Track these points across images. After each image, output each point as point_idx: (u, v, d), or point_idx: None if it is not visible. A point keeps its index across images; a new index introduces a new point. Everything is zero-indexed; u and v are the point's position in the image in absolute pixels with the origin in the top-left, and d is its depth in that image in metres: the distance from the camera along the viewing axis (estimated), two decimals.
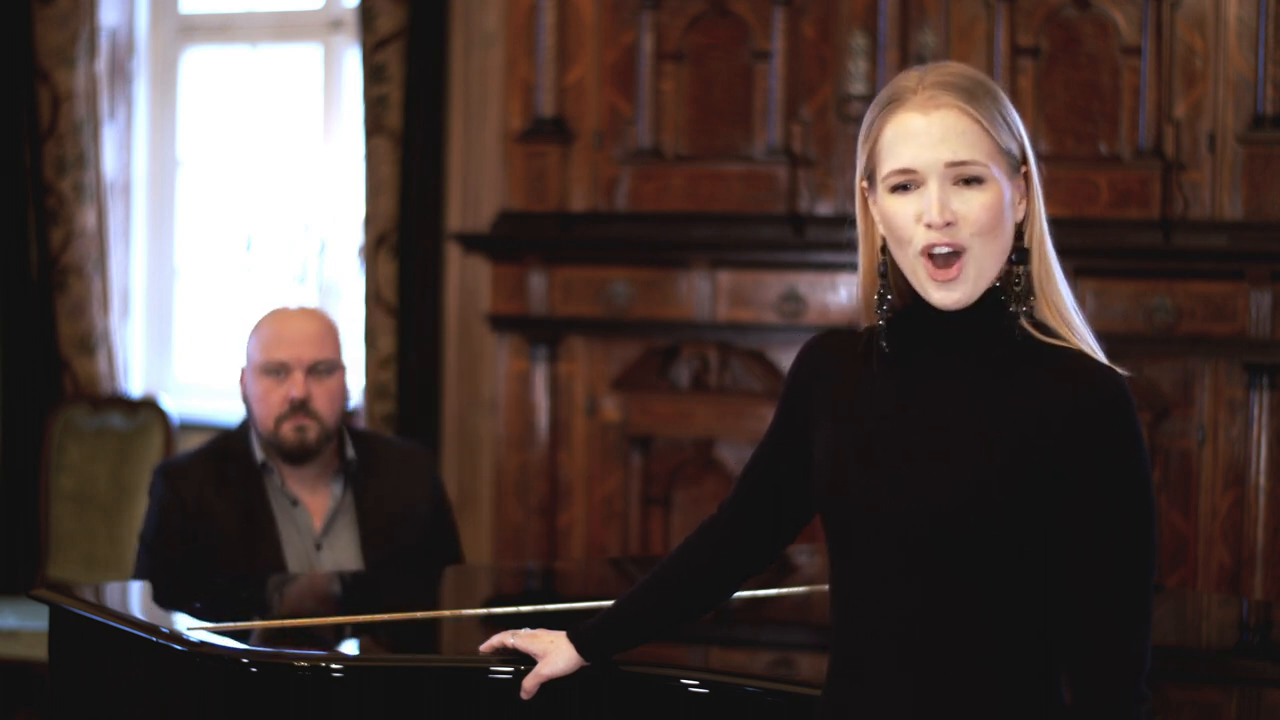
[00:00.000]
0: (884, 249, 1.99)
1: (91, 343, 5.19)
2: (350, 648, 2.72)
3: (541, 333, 4.38)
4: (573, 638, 2.31)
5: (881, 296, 1.99)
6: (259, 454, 3.30)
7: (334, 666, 2.45)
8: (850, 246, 2.06)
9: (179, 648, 2.50)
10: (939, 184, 1.91)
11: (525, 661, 2.35)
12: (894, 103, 1.95)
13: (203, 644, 2.49)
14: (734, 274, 4.26)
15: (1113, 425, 1.88)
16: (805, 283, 4.22)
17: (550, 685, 2.33)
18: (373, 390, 4.83)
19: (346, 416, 3.38)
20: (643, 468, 4.35)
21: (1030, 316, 1.95)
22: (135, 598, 3.00)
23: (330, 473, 3.33)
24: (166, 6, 5.40)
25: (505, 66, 4.57)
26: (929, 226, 1.91)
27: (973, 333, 1.96)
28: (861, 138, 1.99)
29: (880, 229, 1.98)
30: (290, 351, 3.27)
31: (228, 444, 3.34)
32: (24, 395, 5.22)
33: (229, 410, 5.06)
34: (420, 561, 3.33)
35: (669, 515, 4.34)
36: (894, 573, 1.92)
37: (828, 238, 4.12)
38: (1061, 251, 2.01)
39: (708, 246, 4.25)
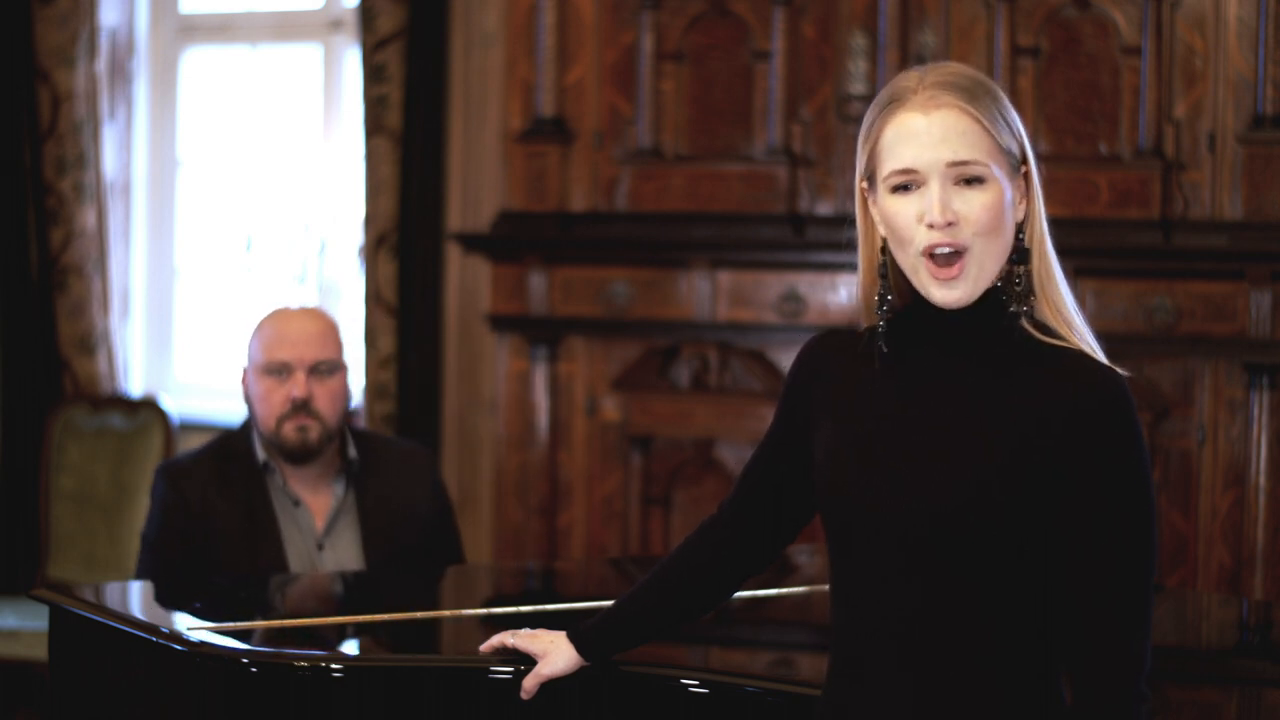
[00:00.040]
0: (884, 249, 1.99)
1: (91, 343, 5.19)
2: (350, 648, 2.72)
3: (541, 333, 4.38)
4: (573, 638, 2.31)
5: (881, 297, 1.99)
6: (261, 454, 3.30)
7: (334, 666, 2.45)
8: (850, 246, 2.06)
9: (179, 648, 2.50)
10: (940, 184, 1.91)
11: (525, 661, 2.35)
12: (894, 103, 1.95)
13: (203, 644, 2.49)
14: (734, 274, 4.26)
15: (1113, 425, 1.88)
16: (805, 283, 4.22)
17: (550, 685, 2.33)
18: (373, 390, 4.83)
19: (348, 416, 3.38)
20: (643, 468, 4.35)
21: (1030, 316, 1.95)
22: (135, 598, 3.00)
23: (332, 473, 3.33)
24: (166, 6, 5.40)
25: (505, 66, 4.57)
26: (930, 227, 1.91)
27: (973, 333, 1.96)
28: (861, 138, 1.99)
29: (880, 229, 1.98)
30: (292, 351, 3.27)
31: (229, 444, 3.34)
32: (24, 395, 5.22)
33: (229, 410, 5.06)
34: (421, 561, 3.33)
35: (669, 515, 4.34)
36: (894, 573, 1.92)
37: (828, 238, 4.12)
38: (1061, 251, 2.01)
39: (708, 246, 4.25)
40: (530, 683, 2.33)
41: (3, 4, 5.14)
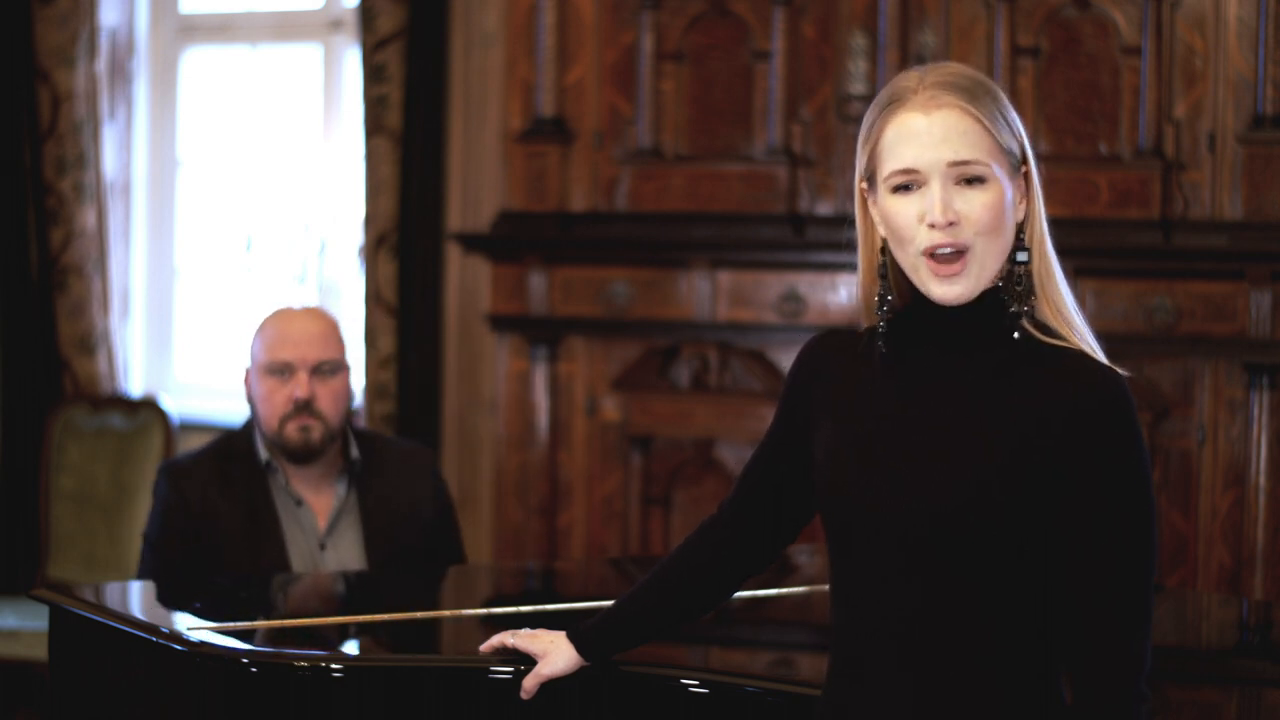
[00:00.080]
0: (884, 250, 1.99)
1: (91, 343, 5.19)
2: (350, 648, 2.72)
3: (541, 333, 4.38)
4: (573, 638, 2.31)
5: (881, 297, 1.99)
6: (263, 454, 3.30)
7: (334, 666, 2.45)
8: (850, 247, 2.06)
9: (179, 648, 2.50)
10: (941, 184, 1.91)
11: (525, 661, 2.35)
12: (895, 103, 1.95)
13: (203, 644, 2.49)
14: (734, 274, 4.26)
15: (1113, 425, 1.88)
16: (805, 283, 4.22)
17: (550, 685, 2.33)
18: (373, 390, 4.83)
19: (350, 416, 3.38)
20: (643, 468, 4.35)
21: (1031, 316, 1.95)
22: (135, 598, 3.00)
23: (334, 472, 3.34)
24: (166, 6, 5.40)
25: (505, 66, 4.57)
26: (932, 226, 1.91)
27: (973, 332, 1.96)
28: (861, 139, 1.99)
29: (880, 230, 1.98)
30: (295, 351, 3.28)
31: (232, 444, 3.34)
32: (24, 395, 5.22)
33: (229, 410, 5.06)
34: (423, 562, 3.33)
35: (669, 515, 4.34)
36: (894, 573, 1.92)
37: (828, 238, 4.12)
38: (1061, 251, 2.01)
39: (708, 246, 4.25)
40: (530, 683, 2.33)
41: (3, 4, 5.14)
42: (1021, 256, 1.95)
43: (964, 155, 1.91)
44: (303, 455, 3.27)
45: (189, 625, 2.63)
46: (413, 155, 4.79)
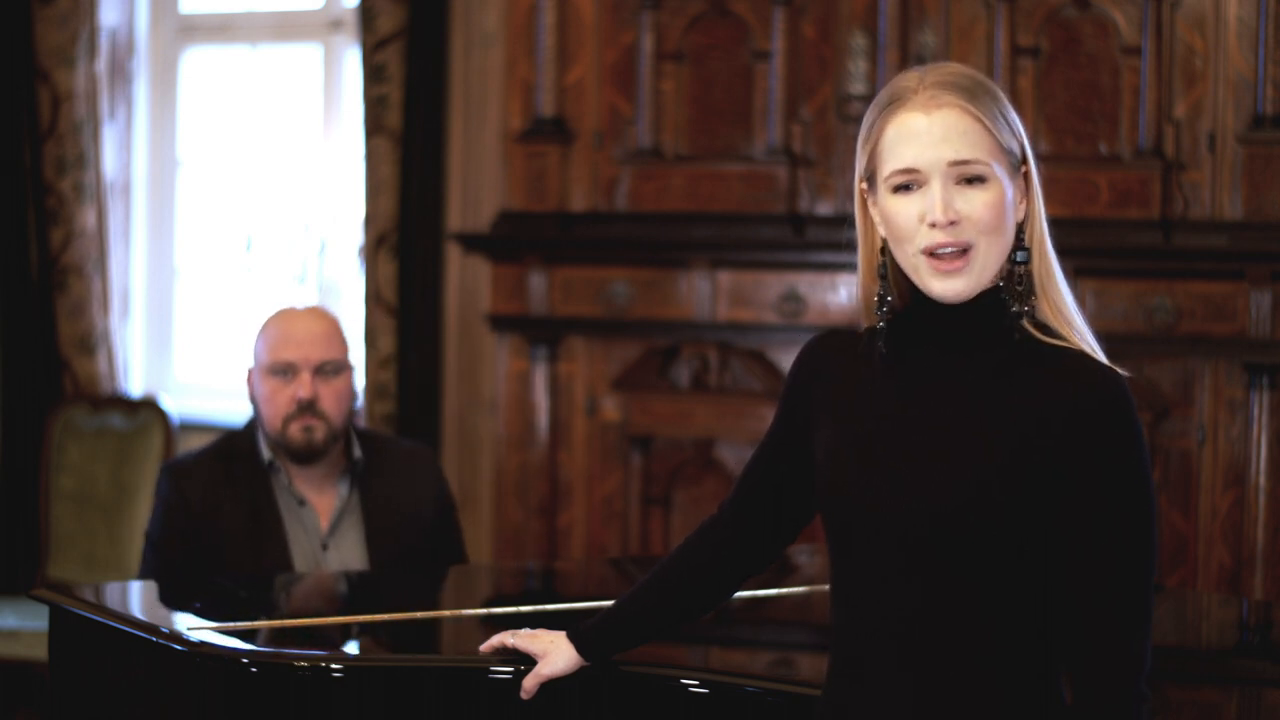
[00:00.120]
0: (883, 250, 1.99)
1: (91, 343, 5.19)
2: (350, 648, 2.72)
3: (541, 333, 4.38)
4: (573, 638, 2.31)
5: (881, 298, 1.99)
6: (266, 453, 3.30)
7: (334, 666, 2.45)
8: (850, 247, 2.06)
9: (179, 648, 2.50)
10: (942, 183, 1.91)
11: (525, 661, 2.35)
12: (895, 103, 1.95)
13: (203, 644, 2.49)
14: (734, 274, 4.26)
15: (1113, 425, 1.88)
16: (805, 283, 4.22)
17: (550, 685, 2.33)
18: (373, 390, 4.82)
19: (352, 416, 3.38)
20: (643, 468, 4.35)
21: (1031, 316, 1.95)
22: (135, 598, 3.00)
23: (337, 473, 3.34)
24: (166, 6, 5.40)
25: (505, 66, 4.57)
26: (933, 226, 1.91)
27: (973, 332, 1.96)
28: (861, 139, 1.99)
29: (880, 230, 1.98)
30: (298, 352, 3.28)
31: (234, 443, 3.34)
32: (24, 395, 5.22)
33: (229, 410, 5.06)
34: (424, 562, 3.33)
35: (669, 515, 4.34)
36: (894, 573, 1.92)
37: (828, 238, 4.12)
38: (1061, 251, 2.01)
39: (708, 246, 4.25)
40: (530, 683, 2.33)
41: (3, 4, 5.14)
42: (1021, 256, 1.95)
43: (964, 154, 1.91)
44: (306, 455, 3.27)
45: (189, 625, 2.63)
46: (413, 155, 4.79)
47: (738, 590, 2.30)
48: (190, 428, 5.07)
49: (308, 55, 5.29)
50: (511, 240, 4.41)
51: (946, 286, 1.92)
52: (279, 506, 3.28)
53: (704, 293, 4.27)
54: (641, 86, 4.31)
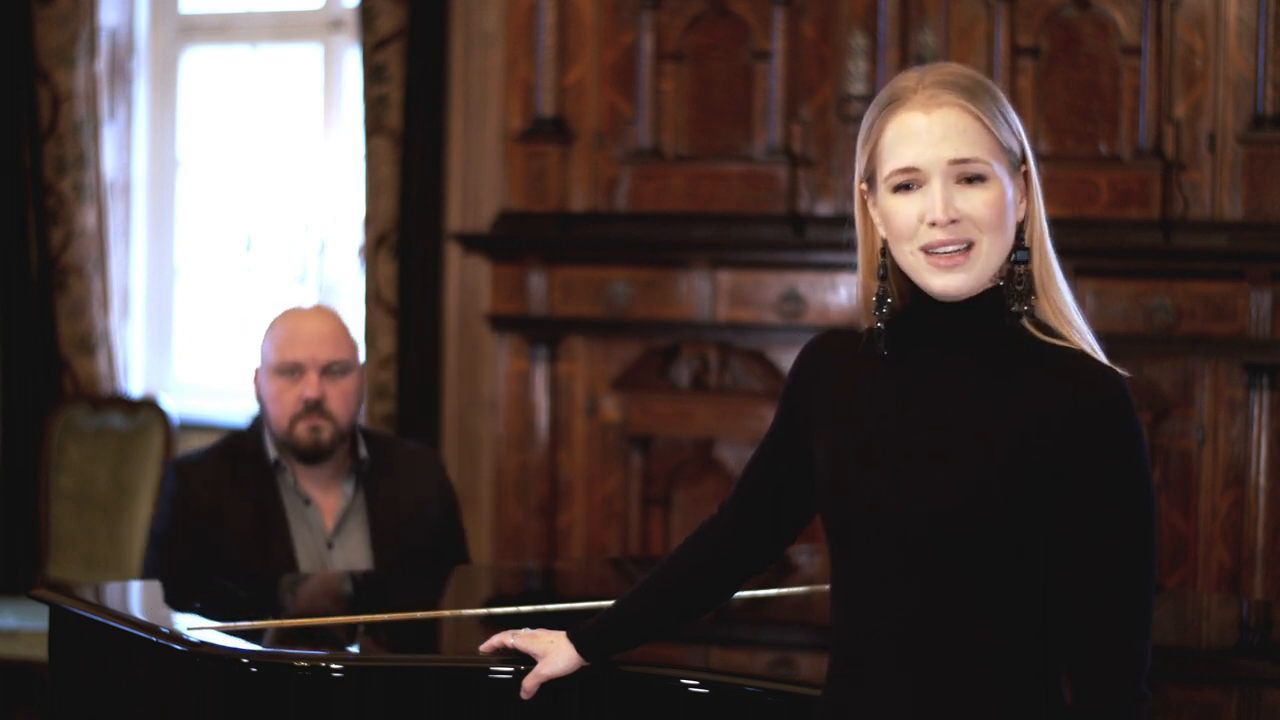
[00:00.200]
0: (883, 251, 1.99)
1: (91, 343, 5.19)
2: (351, 648, 2.72)
3: (541, 333, 4.38)
4: (573, 638, 2.31)
5: (880, 299, 1.99)
6: (272, 452, 3.30)
7: (334, 666, 2.45)
8: (850, 247, 2.06)
9: (179, 648, 2.50)
10: (942, 182, 1.91)
11: (525, 661, 2.35)
12: (894, 103, 1.95)
13: (202, 644, 2.49)
14: (734, 274, 4.26)
15: (1113, 425, 1.88)
16: (805, 283, 4.22)
17: (550, 685, 2.33)
18: (373, 390, 4.82)
19: (358, 416, 3.39)
20: (643, 468, 4.35)
21: (1031, 316, 1.95)
22: (135, 598, 3.00)
23: (343, 472, 3.34)
24: (166, 6, 5.40)
25: (505, 66, 4.57)
26: (933, 225, 1.91)
27: (974, 332, 1.96)
28: (861, 139, 1.99)
29: (880, 231, 1.98)
30: (305, 351, 3.28)
31: (240, 443, 3.34)
32: (24, 395, 5.22)
33: (229, 410, 5.07)
34: (428, 562, 3.33)
35: (669, 515, 4.34)
36: (894, 573, 1.92)
37: (828, 238, 4.12)
38: (1061, 251, 2.01)
39: (708, 246, 4.25)
40: (530, 683, 2.33)
41: (3, 4, 5.14)
42: (1021, 256, 1.95)
43: (964, 153, 1.91)
44: (313, 455, 3.27)
45: (189, 625, 2.63)
46: (413, 155, 4.79)
47: (738, 590, 2.30)
48: (190, 428, 5.07)
49: (308, 55, 5.29)
50: (511, 240, 4.41)
51: (946, 282, 1.92)
52: (284, 506, 3.28)
53: (704, 293, 4.27)
54: (641, 86, 4.31)
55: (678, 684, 2.39)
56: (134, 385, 5.34)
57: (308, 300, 4.43)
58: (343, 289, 5.17)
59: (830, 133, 4.20)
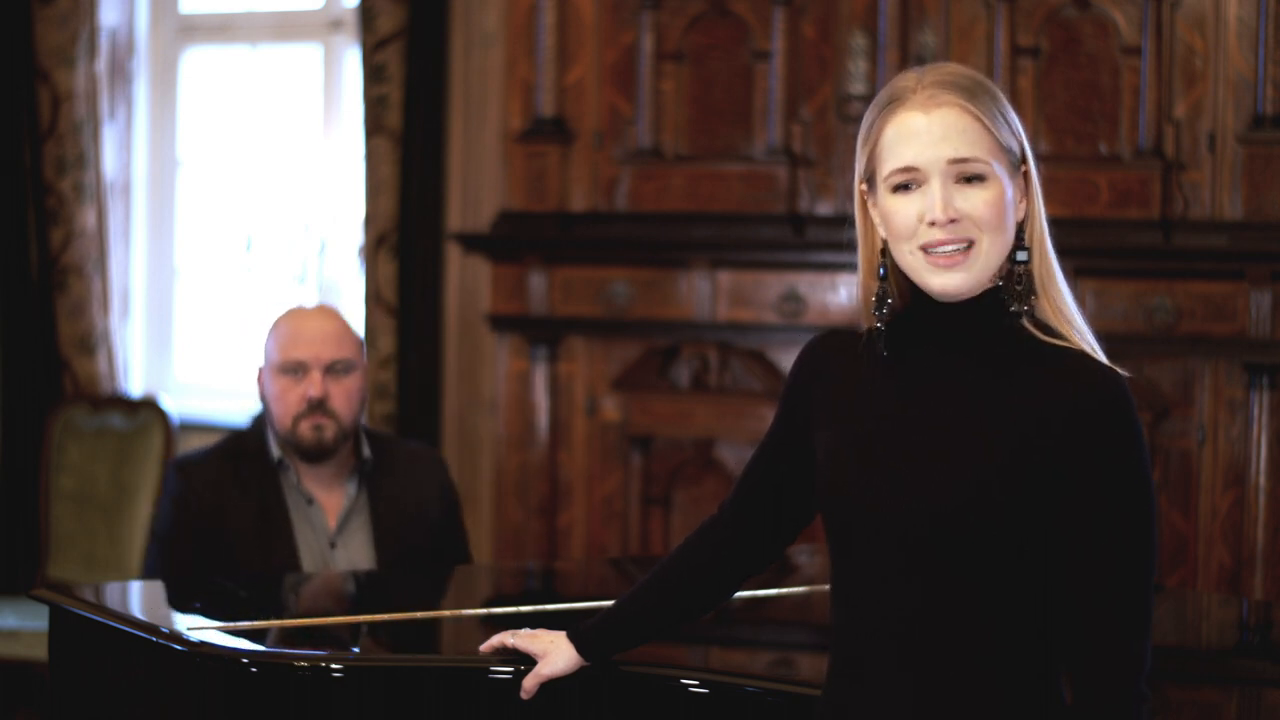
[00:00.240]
0: (883, 251, 1.99)
1: (91, 343, 5.19)
2: (351, 648, 2.72)
3: (541, 333, 4.38)
4: (573, 638, 2.31)
5: (880, 299, 1.99)
6: (275, 452, 3.30)
7: (334, 666, 2.45)
8: (850, 247, 2.06)
9: (179, 648, 2.50)
10: (941, 182, 1.91)
11: (525, 661, 2.35)
12: (894, 103, 1.95)
13: (202, 644, 2.49)
14: (734, 274, 4.26)
15: (1113, 425, 1.88)
16: (805, 283, 4.22)
17: (550, 685, 2.33)
18: (373, 390, 4.82)
19: (361, 415, 3.39)
20: (643, 468, 4.35)
21: (1031, 316, 1.95)
22: (135, 598, 3.00)
23: (346, 472, 3.34)
24: (166, 6, 5.40)
25: (505, 66, 4.57)
26: (933, 224, 1.91)
27: (973, 332, 1.96)
28: (861, 139, 1.99)
29: (880, 231, 1.98)
30: (308, 350, 3.28)
31: (242, 442, 3.34)
32: (24, 395, 5.22)
33: (229, 410, 5.07)
34: (429, 562, 3.33)
35: (669, 515, 4.34)
36: (894, 573, 1.92)
37: (828, 238, 4.12)
38: (1061, 251, 2.01)
39: (708, 246, 4.25)
40: (530, 683, 2.33)
41: (3, 4, 5.14)
42: (1021, 256, 1.95)
43: (964, 153, 1.91)
44: (316, 454, 3.27)
45: (189, 625, 2.63)
46: (413, 155, 4.79)
47: (738, 590, 2.30)
48: (190, 428, 5.07)
49: (308, 55, 5.29)
50: (511, 240, 4.41)
51: (946, 281, 1.92)
52: (287, 505, 3.28)
53: (704, 293, 4.27)
54: (641, 86, 4.31)
55: (678, 684, 2.39)
56: (134, 385, 5.34)
57: (311, 299, 4.43)
58: (343, 289, 5.17)
59: (830, 133, 4.20)
